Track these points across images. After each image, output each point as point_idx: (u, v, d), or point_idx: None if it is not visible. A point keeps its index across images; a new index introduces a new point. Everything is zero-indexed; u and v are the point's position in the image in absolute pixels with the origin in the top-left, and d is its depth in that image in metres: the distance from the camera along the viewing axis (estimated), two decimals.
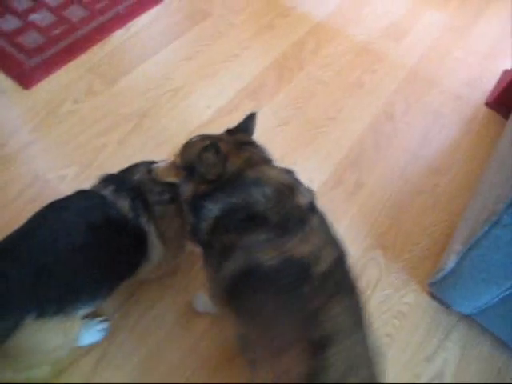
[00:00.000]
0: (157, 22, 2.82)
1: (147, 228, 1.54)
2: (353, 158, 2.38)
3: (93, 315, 1.75)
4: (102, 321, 1.75)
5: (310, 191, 1.44)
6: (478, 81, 2.82)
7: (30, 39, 2.58)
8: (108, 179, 1.59)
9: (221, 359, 1.75)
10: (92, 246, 1.43)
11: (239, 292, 1.30)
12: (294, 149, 2.36)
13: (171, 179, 1.51)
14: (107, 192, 1.53)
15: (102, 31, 2.68)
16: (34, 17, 2.67)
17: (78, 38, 2.63)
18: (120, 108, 2.38)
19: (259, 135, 2.34)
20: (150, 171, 1.57)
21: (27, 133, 2.26)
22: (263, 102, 2.51)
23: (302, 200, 1.35)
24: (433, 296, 1.99)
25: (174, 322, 1.82)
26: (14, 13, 2.67)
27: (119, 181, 1.59)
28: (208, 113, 2.42)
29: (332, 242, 1.33)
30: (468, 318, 1.92)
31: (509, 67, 2.83)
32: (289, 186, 1.36)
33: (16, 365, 1.39)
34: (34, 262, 1.33)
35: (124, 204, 1.51)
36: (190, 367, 1.73)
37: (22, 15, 2.66)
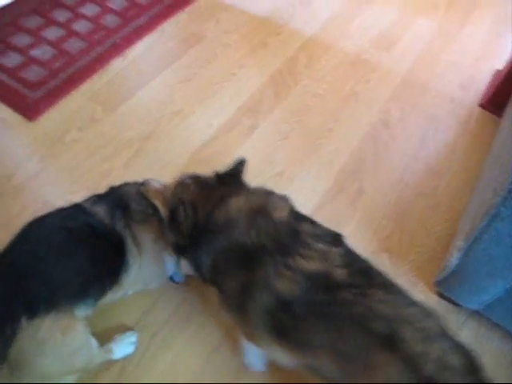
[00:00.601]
0: (152, 49, 2.89)
1: (124, 233, 1.61)
2: (353, 165, 2.43)
3: (122, 329, 1.81)
4: (131, 334, 1.80)
5: (284, 199, 1.45)
6: (471, 83, 2.88)
7: (32, 73, 2.65)
8: (93, 196, 1.71)
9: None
10: (69, 248, 1.51)
11: (284, 328, 1.28)
12: (296, 161, 2.42)
13: (156, 203, 1.53)
14: (87, 203, 1.65)
15: (100, 61, 2.76)
16: (34, 52, 2.75)
17: (78, 68, 2.70)
18: (123, 133, 2.44)
19: (260, 151, 2.42)
20: (142, 184, 1.62)
21: (34, 163, 2.31)
22: (262, 118, 2.57)
23: (280, 213, 1.36)
24: (441, 295, 2.02)
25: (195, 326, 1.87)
26: (16, 49, 2.75)
27: (101, 194, 1.71)
28: (209, 132, 2.48)
29: (330, 237, 1.35)
30: (477, 314, 1.95)
31: (500, 67, 2.89)
32: (260, 208, 1.36)
33: (29, 375, 1.42)
34: (15, 270, 1.43)
35: (100, 210, 1.61)
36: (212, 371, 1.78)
37: (23, 51, 2.74)
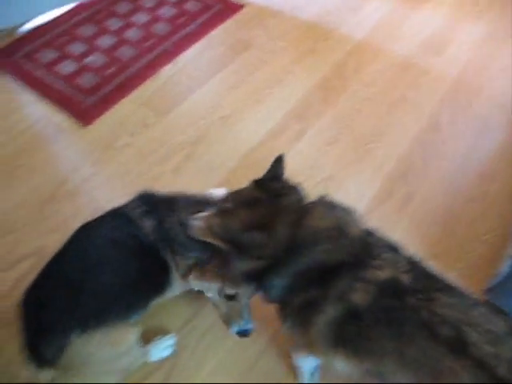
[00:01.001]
0: (201, 56, 2.94)
1: (168, 259, 1.59)
2: (401, 170, 2.40)
3: (161, 333, 1.83)
4: (169, 338, 1.82)
5: (350, 212, 1.44)
6: None
7: (86, 80, 2.74)
8: (144, 200, 1.70)
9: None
10: (119, 261, 1.53)
11: (348, 337, 1.29)
12: (344, 166, 2.41)
13: (208, 240, 1.47)
14: (135, 213, 1.63)
15: (151, 68, 2.82)
16: (88, 59, 2.84)
17: (130, 75, 2.77)
18: (173, 138, 2.49)
19: (309, 155, 2.42)
20: (183, 225, 1.55)
21: (88, 167, 2.38)
22: (310, 123, 2.58)
23: (355, 230, 1.36)
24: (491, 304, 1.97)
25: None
26: (71, 57, 2.85)
27: (152, 208, 1.66)
28: (257, 137, 2.51)
29: (391, 245, 1.36)
30: None
31: None
32: (336, 227, 1.35)
33: (79, 376, 1.47)
34: (67, 283, 1.46)
35: (148, 225, 1.59)
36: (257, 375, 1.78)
37: (77, 59, 2.84)
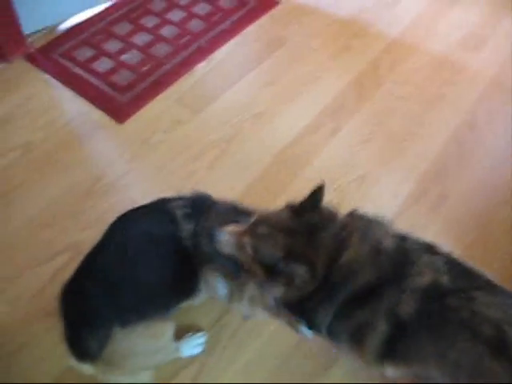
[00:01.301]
0: (236, 52, 2.95)
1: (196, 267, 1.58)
2: (436, 169, 2.37)
3: (193, 330, 1.85)
4: (200, 335, 1.83)
5: (381, 223, 1.42)
6: None
7: (122, 77, 2.77)
8: (193, 201, 1.67)
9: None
10: (157, 258, 1.53)
11: (397, 347, 1.29)
12: (378, 165, 2.39)
13: (238, 257, 1.44)
14: (179, 211, 1.60)
15: (186, 65, 2.84)
16: (124, 57, 2.87)
17: (165, 72, 2.80)
18: (207, 135, 2.50)
19: (342, 153, 2.41)
20: (213, 237, 1.48)
21: (123, 163, 2.42)
22: (344, 121, 2.56)
23: (389, 242, 1.34)
24: None
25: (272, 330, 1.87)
26: (107, 55, 2.88)
27: (197, 212, 1.62)
28: (291, 134, 2.50)
29: (427, 247, 1.35)
30: None
31: None
32: (373, 248, 1.33)
33: (119, 370, 1.50)
34: (107, 276, 1.47)
35: (188, 228, 1.56)
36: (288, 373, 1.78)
37: (113, 56, 2.87)
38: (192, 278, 1.59)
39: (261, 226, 1.39)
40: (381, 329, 1.27)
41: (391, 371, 1.35)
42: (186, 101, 2.67)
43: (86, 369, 1.46)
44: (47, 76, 2.78)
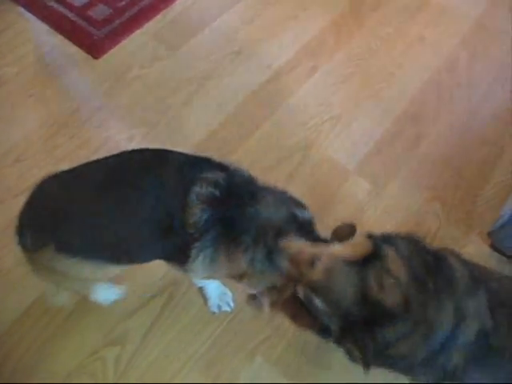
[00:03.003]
0: None
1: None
2: (414, 111, 2.37)
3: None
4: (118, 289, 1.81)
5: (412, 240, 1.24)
6: None
7: (99, 11, 2.70)
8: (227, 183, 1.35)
9: None
10: (135, 217, 1.35)
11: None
12: (354, 105, 2.38)
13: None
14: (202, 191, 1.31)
15: (165, 0, 2.77)
16: None
17: (143, 7, 2.73)
18: (184, 72, 2.47)
19: (319, 93, 2.39)
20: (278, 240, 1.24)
21: (97, 99, 2.38)
22: (323, 61, 2.53)
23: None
24: (494, 247, 1.97)
25: None
26: None
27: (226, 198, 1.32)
28: (269, 72, 2.48)
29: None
30: None
31: None
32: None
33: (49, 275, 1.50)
34: (62, 206, 1.36)
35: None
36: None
37: None
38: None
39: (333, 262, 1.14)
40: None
41: None
42: (164, 37, 2.62)
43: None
44: (21, 9, 2.70)
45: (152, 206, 1.33)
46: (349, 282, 1.11)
